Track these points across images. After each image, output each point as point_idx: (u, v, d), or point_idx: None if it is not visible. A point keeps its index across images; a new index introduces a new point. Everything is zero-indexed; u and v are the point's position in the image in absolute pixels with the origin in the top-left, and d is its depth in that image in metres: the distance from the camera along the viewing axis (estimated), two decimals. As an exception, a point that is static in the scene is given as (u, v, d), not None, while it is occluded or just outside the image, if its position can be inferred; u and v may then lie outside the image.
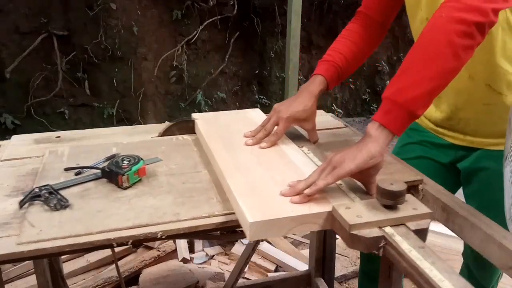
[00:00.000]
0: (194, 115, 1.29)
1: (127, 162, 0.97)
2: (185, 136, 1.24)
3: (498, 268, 1.25)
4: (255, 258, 2.13)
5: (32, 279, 1.78)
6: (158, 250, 2.08)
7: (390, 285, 1.17)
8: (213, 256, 2.22)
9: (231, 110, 1.36)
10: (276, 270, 2.11)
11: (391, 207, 0.77)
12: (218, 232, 1.02)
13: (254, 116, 1.27)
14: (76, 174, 1.01)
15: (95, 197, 0.91)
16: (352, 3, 4.76)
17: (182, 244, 2.18)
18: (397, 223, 0.76)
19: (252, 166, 0.97)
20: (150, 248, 2.11)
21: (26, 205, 0.88)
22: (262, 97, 4.76)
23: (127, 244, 0.80)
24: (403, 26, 5.08)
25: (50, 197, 0.88)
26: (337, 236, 2.16)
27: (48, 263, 1.33)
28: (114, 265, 1.74)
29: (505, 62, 1.02)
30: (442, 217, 0.93)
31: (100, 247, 0.79)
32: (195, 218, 0.84)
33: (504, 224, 0.86)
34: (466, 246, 1.30)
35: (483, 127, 1.12)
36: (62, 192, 0.92)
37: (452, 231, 0.92)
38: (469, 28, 0.82)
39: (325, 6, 4.86)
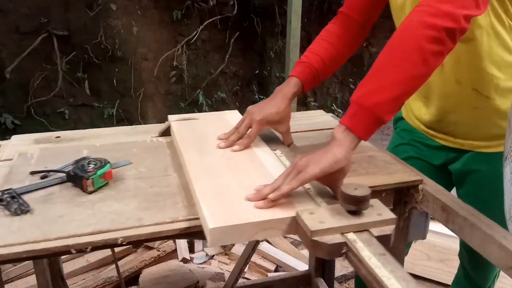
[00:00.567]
0: (171, 117, 1.27)
1: (93, 166, 0.94)
2: (160, 139, 1.23)
3: (498, 267, 1.26)
4: (255, 258, 2.13)
5: (32, 279, 1.78)
6: (158, 250, 2.09)
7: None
8: (213, 256, 2.22)
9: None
10: (276, 270, 2.11)
11: (355, 213, 0.76)
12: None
13: (231, 118, 1.25)
14: (42, 177, 0.98)
15: (58, 202, 0.89)
16: (352, 3, 4.75)
17: (182, 244, 2.19)
18: (361, 229, 0.75)
19: (221, 170, 0.95)
20: (150, 248, 2.12)
21: (-12, 210, 0.85)
22: (262, 97, 4.76)
23: (85, 251, 0.78)
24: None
25: (12, 201, 0.86)
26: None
27: (48, 263, 1.33)
28: (114, 265, 1.74)
29: (492, 67, 1.02)
30: (442, 217, 0.94)
31: (58, 253, 0.77)
32: (158, 224, 0.82)
33: (499, 225, 0.86)
34: (462, 247, 1.31)
35: (473, 129, 1.12)
36: (26, 196, 0.89)
37: (452, 231, 0.92)
38: (439, 34, 0.80)
39: (325, 6, 4.86)
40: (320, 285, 1.65)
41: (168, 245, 2.13)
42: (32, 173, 1.00)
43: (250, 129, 1.06)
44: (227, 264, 2.16)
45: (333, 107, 5.16)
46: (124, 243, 0.79)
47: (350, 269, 2.14)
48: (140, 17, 4.08)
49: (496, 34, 0.99)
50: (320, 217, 0.75)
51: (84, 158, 1.00)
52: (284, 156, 1.03)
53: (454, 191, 1.24)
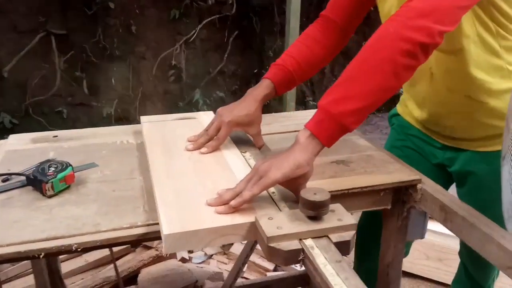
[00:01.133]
0: (143, 118, 1.25)
1: (53, 169, 0.91)
2: (131, 140, 1.21)
3: (496, 267, 1.26)
4: (254, 257, 2.13)
5: (30, 279, 1.78)
6: (157, 250, 2.08)
7: (388, 284, 1.17)
8: (211, 255, 2.22)
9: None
10: (275, 270, 2.11)
11: (314, 218, 0.74)
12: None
13: (205, 120, 1.23)
14: (4, 180, 0.95)
15: (16, 206, 0.87)
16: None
17: (180, 243, 2.18)
18: (319, 235, 0.73)
19: (186, 173, 0.93)
20: (149, 247, 2.11)
21: None
22: (260, 96, 4.76)
23: (39, 258, 0.76)
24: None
25: None
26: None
27: (46, 263, 1.33)
28: (112, 265, 1.73)
29: (481, 73, 1.01)
30: (440, 217, 0.93)
31: (11, 260, 0.76)
32: (115, 229, 0.80)
33: (498, 225, 0.86)
34: (462, 246, 1.31)
35: (469, 132, 1.12)
36: None
37: (451, 230, 0.92)
38: (414, 48, 0.80)
39: (324, 5, 4.85)
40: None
41: (166, 244, 2.12)
42: None
43: (219, 131, 1.04)
44: (225, 263, 2.16)
45: (331, 106, 5.16)
46: (79, 249, 0.76)
47: (349, 268, 2.14)
48: (138, 16, 4.07)
49: (483, 41, 0.99)
50: (279, 223, 0.73)
51: (48, 161, 0.97)
52: (253, 159, 1.01)
53: (452, 189, 1.24)
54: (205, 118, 1.26)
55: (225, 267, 2.12)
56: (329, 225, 0.74)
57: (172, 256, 2.11)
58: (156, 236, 0.79)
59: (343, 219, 0.75)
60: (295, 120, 1.39)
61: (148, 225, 0.82)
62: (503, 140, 0.91)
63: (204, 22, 4.33)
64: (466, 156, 1.14)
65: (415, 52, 0.80)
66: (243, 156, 1.02)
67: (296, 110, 3.62)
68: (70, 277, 1.92)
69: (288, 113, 1.57)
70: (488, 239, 0.81)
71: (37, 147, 1.15)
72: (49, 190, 0.89)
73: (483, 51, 1.00)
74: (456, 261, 1.46)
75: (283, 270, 2.08)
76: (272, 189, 0.86)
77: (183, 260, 2.10)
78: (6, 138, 1.24)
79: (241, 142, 1.10)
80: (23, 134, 1.25)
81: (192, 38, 4.32)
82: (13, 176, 0.97)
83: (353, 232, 0.75)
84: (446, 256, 2.14)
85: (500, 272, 0.82)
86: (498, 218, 0.87)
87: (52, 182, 0.89)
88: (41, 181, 0.89)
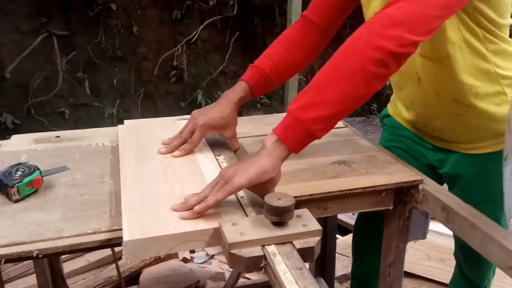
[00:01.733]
0: (126, 122, 1.24)
1: (20, 173, 0.89)
2: (106, 143, 1.19)
3: (492, 268, 1.26)
4: (255, 257, 2.13)
5: (32, 279, 1.78)
6: (158, 250, 2.08)
7: (390, 285, 1.17)
8: (213, 255, 2.22)
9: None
10: (276, 270, 2.11)
11: (279, 224, 0.72)
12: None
13: (183, 124, 1.19)
14: None
15: None
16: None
17: (182, 244, 2.18)
18: (283, 241, 0.71)
19: (156, 177, 0.91)
20: (150, 248, 2.11)
21: None
22: (262, 97, 4.76)
23: (0, 264, 0.73)
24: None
25: None
26: (338, 236, 2.16)
27: (48, 263, 1.33)
28: (114, 265, 1.74)
29: (469, 77, 1.01)
30: (442, 217, 0.93)
31: None
32: (78, 235, 0.78)
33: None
34: (456, 247, 1.31)
35: (458, 134, 1.11)
36: None
37: (452, 231, 0.92)
38: (385, 57, 0.78)
39: (325, 5, 4.86)
40: (321, 284, 1.65)
41: (168, 245, 2.13)
42: None
43: (193, 135, 1.03)
44: (227, 263, 2.16)
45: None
46: (40, 255, 0.75)
47: (350, 269, 2.14)
48: (140, 17, 4.08)
49: (469, 46, 0.98)
50: (242, 229, 0.71)
51: (18, 164, 0.94)
52: (226, 162, 0.99)
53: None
54: (183, 122, 1.21)
55: (227, 267, 2.12)
56: (293, 231, 0.72)
57: (174, 256, 2.11)
58: (120, 242, 0.76)
59: (309, 225, 0.73)
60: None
61: (112, 230, 0.79)
62: (505, 141, 0.91)
63: (205, 23, 4.34)
64: (456, 158, 1.13)
65: (386, 61, 0.79)
66: (217, 160, 1.00)
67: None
68: (72, 277, 1.92)
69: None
70: (490, 240, 0.81)
71: (9, 150, 1.12)
72: (14, 195, 0.87)
73: (470, 56, 0.99)
74: (457, 262, 1.46)
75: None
76: (241, 194, 0.84)
77: (185, 260, 2.10)
78: (9, 138, 1.24)
79: (216, 145, 1.08)
80: (25, 135, 1.25)
81: (194, 39, 4.33)
82: None
83: (318, 238, 0.72)
84: (448, 257, 2.14)
85: (502, 273, 0.82)
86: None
87: (18, 186, 0.87)
88: (6, 185, 0.87)
